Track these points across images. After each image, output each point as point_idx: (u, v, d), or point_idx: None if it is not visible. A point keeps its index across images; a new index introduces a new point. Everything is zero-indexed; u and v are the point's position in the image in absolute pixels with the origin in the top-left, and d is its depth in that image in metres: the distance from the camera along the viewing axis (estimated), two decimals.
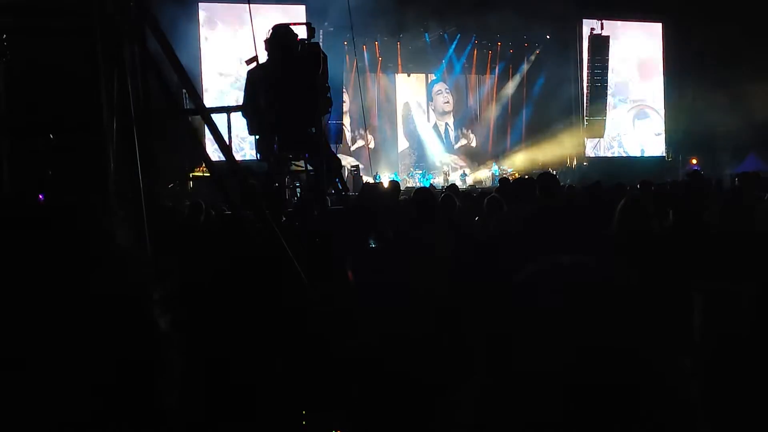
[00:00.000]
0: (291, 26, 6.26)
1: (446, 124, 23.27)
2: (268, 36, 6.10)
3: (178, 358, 0.81)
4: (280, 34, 6.06)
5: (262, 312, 3.48)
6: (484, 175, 21.82)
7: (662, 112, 23.62)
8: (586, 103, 21.99)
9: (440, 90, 23.18)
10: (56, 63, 3.97)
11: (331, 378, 3.35)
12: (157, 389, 0.77)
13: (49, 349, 0.70)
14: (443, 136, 23.18)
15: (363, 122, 14.98)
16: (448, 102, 23.21)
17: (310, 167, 6.28)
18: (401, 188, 8.60)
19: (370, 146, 20.04)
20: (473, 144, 23.29)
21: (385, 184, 10.03)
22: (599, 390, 1.12)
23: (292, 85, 5.85)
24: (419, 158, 22.62)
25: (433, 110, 23.17)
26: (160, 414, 0.77)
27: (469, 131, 23.41)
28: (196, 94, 4.57)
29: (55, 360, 0.69)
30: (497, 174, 19.91)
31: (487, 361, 1.20)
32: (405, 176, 21.07)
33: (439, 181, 20.81)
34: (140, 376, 0.76)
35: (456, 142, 23.22)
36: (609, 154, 23.01)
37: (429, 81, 23.12)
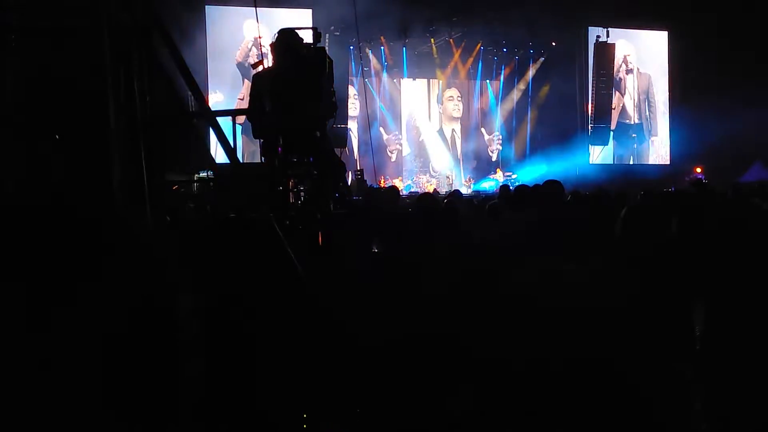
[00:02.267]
0: (297, 30, 6.28)
1: (453, 130, 23.30)
2: (274, 40, 6.12)
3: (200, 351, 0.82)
4: (286, 38, 6.08)
5: (264, 313, 3.49)
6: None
7: (667, 119, 23.60)
8: (591, 110, 21.98)
9: (452, 96, 23.21)
10: (62, 63, 3.99)
11: (331, 378, 3.36)
12: (171, 384, 0.78)
13: (62, 340, 0.71)
14: (448, 141, 23.21)
15: (368, 127, 14.99)
16: (457, 109, 23.26)
17: (314, 171, 6.29)
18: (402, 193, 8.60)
19: (374, 151, 20.05)
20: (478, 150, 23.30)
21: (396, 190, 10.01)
22: (596, 394, 1.12)
23: (297, 89, 5.87)
24: (423, 164, 22.65)
25: (441, 113, 23.21)
26: (172, 406, 0.78)
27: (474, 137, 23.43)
28: (202, 97, 4.60)
29: (68, 351, 0.70)
30: (496, 182, 20.07)
31: (488, 362, 1.21)
32: (410, 181, 21.15)
33: (441, 186, 20.83)
34: (156, 367, 0.77)
35: (461, 149, 23.23)
36: (614, 162, 22.99)
37: (433, 86, 23.13)
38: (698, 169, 21.43)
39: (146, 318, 0.67)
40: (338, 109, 6.87)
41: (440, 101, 23.12)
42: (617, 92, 22.67)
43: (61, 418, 0.62)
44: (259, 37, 6.65)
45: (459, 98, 23.23)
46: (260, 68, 6.13)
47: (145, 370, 0.63)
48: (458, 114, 23.21)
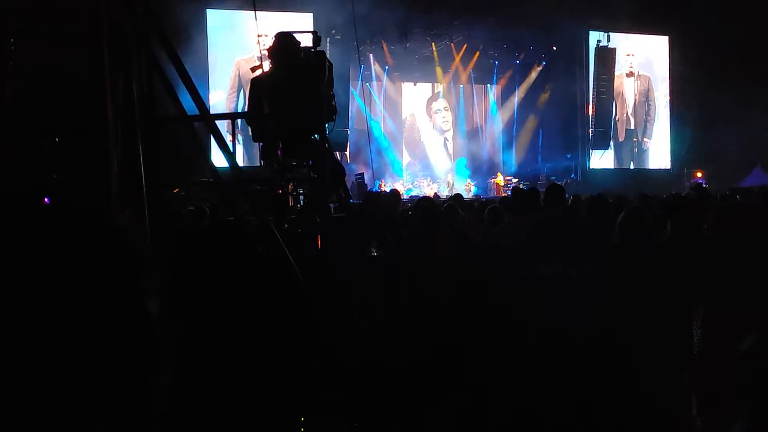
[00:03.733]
0: (295, 34, 6.28)
1: (444, 138, 23.28)
2: (272, 44, 6.13)
3: (174, 359, 0.82)
4: (284, 42, 6.09)
5: (262, 316, 3.48)
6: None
7: (668, 124, 23.61)
8: (592, 114, 21.98)
9: (438, 109, 23.15)
10: (63, 67, 4.01)
11: (328, 381, 3.36)
12: (152, 389, 0.78)
13: (47, 346, 0.71)
14: (446, 147, 23.21)
15: (367, 130, 15.02)
16: (446, 121, 23.19)
17: (313, 174, 6.29)
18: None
19: (374, 154, 20.04)
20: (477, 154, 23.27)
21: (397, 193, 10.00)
22: (588, 400, 1.13)
23: (295, 92, 5.88)
24: (423, 167, 22.63)
25: (432, 127, 23.21)
26: (153, 414, 0.78)
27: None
28: (201, 100, 4.60)
29: (53, 357, 0.70)
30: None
31: (481, 366, 1.22)
32: (410, 185, 21.17)
33: (442, 190, 20.84)
34: (135, 375, 0.77)
35: (461, 153, 23.21)
36: (614, 166, 22.99)
37: (435, 90, 23.14)
38: (699, 174, 21.43)
39: (133, 320, 0.67)
40: (338, 112, 6.87)
41: (430, 115, 23.07)
42: (618, 97, 22.66)
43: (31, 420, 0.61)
44: (259, 37, 6.63)
45: (446, 109, 23.13)
46: (259, 72, 6.14)
47: (125, 375, 0.63)
48: (448, 126, 23.14)
